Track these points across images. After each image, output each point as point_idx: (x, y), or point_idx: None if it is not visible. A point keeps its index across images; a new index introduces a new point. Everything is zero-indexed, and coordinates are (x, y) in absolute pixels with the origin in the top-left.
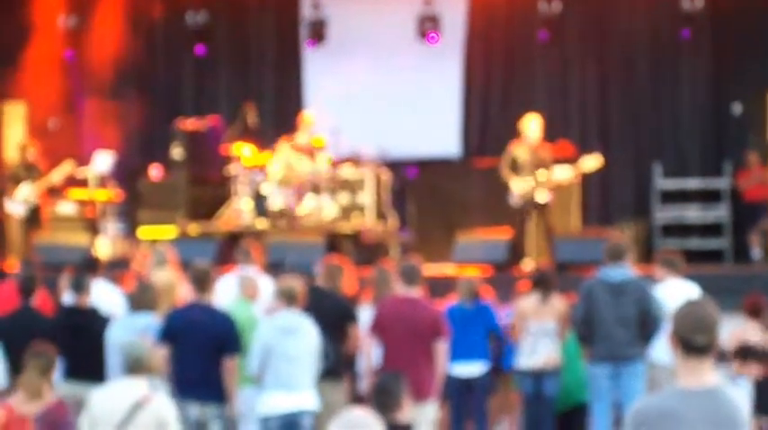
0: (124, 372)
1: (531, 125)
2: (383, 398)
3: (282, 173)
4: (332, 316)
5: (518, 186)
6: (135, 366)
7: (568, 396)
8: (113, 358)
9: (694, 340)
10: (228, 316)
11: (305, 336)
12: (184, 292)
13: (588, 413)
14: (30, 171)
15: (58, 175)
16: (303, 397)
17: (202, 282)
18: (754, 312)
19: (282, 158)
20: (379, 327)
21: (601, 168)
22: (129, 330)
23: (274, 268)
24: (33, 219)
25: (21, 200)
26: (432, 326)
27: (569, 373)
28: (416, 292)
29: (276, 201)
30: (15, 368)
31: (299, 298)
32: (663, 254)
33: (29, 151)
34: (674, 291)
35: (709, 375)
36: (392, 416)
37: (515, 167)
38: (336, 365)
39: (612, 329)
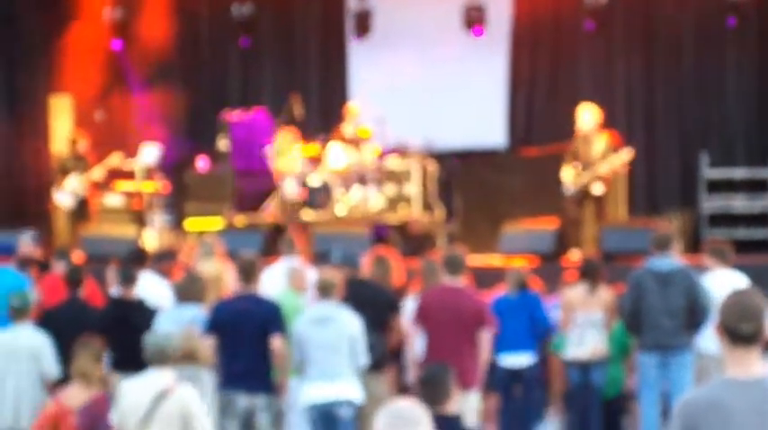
0: (150, 364)
1: (585, 115)
2: (431, 389)
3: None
4: (375, 307)
5: (572, 176)
6: (159, 357)
7: (613, 385)
8: None
9: (740, 329)
10: (274, 302)
11: (340, 326)
12: (231, 283)
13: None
14: (79, 163)
15: (105, 168)
16: (342, 386)
17: (249, 272)
18: None
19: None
20: (422, 317)
21: (632, 161)
22: (176, 322)
23: (320, 259)
24: (81, 210)
25: (69, 191)
26: (476, 315)
27: (615, 363)
28: (461, 282)
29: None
30: (64, 359)
31: (335, 289)
32: (711, 243)
33: (79, 143)
34: (722, 281)
35: (757, 365)
36: (440, 407)
37: (574, 158)
38: (380, 357)
39: (660, 319)
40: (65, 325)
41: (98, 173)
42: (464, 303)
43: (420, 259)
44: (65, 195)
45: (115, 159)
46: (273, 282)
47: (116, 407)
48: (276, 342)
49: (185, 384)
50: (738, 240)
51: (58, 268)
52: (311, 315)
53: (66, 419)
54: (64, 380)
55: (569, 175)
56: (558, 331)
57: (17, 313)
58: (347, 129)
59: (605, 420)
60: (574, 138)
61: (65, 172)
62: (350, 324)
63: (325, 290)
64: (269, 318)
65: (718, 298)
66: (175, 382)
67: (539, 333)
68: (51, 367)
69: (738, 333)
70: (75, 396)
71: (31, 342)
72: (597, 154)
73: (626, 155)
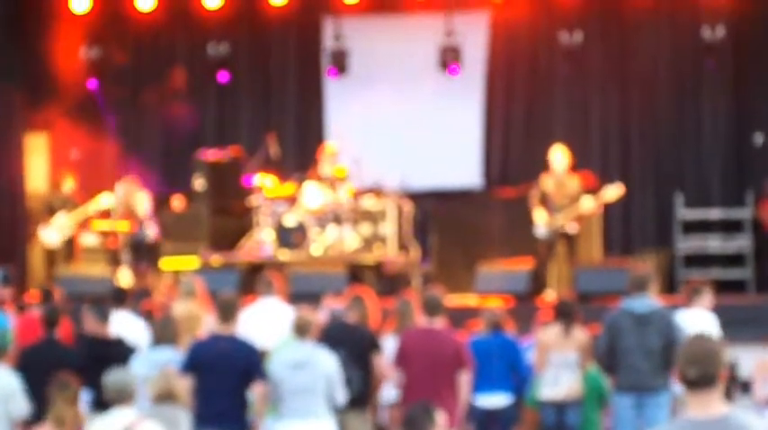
0: (112, 403)
1: (557, 156)
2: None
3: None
4: (356, 346)
5: (544, 218)
6: (120, 396)
7: (589, 426)
8: (138, 390)
9: (687, 373)
10: (252, 345)
11: (317, 368)
12: (209, 323)
13: None
14: (65, 202)
15: (93, 207)
16: (317, 425)
17: (227, 312)
18: None
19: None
20: (401, 359)
21: (622, 198)
22: (150, 364)
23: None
24: (67, 250)
25: (56, 230)
26: (454, 357)
27: (590, 405)
28: (438, 323)
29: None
30: (39, 399)
31: (311, 329)
32: (691, 283)
33: (66, 182)
34: (692, 321)
35: (716, 406)
36: None
37: (544, 199)
38: (361, 395)
39: (637, 360)
40: (42, 364)
41: (85, 212)
42: (443, 345)
43: (395, 299)
44: (51, 233)
45: (104, 200)
46: (251, 322)
47: None
48: (258, 388)
49: (149, 421)
50: (713, 280)
51: (37, 308)
52: (286, 358)
53: None
54: (38, 417)
55: (541, 217)
56: (532, 372)
57: None
58: (324, 168)
59: None
60: (539, 179)
61: (51, 211)
62: (326, 365)
63: (300, 329)
64: (249, 361)
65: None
66: (138, 419)
67: (517, 380)
68: (20, 408)
69: (686, 377)
70: None
71: (2, 382)
72: (569, 195)
73: (614, 192)
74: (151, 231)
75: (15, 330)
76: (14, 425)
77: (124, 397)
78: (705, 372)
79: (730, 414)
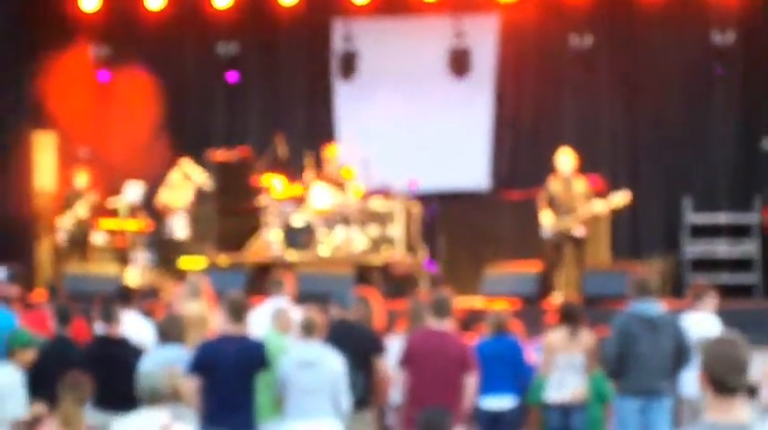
0: (143, 404)
1: (564, 159)
2: None
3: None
4: (359, 347)
5: (551, 220)
6: (153, 396)
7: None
8: None
9: (728, 381)
10: (260, 343)
11: (323, 368)
12: (217, 323)
13: None
14: (80, 196)
15: (115, 202)
16: (322, 426)
17: (237, 311)
18: None
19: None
20: (408, 360)
21: (629, 205)
22: (158, 362)
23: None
24: (81, 246)
25: (68, 226)
26: (460, 359)
27: (595, 407)
28: (446, 325)
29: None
30: (49, 396)
31: (317, 329)
32: (696, 286)
33: (79, 177)
34: (697, 324)
35: (740, 411)
36: None
37: (552, 202)
38: (362, 396)
39: (648, 364)
40: (51, 361)
41: (104, 207)
42: (449, 347)
43: (406, 300)
44: (62, 231)
45: (130, 193)
46: (259, 322)
47: None
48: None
49: (181, 423)
50: (721, 285)
51: (44, 306)
52: (295, 357)
53: None
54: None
55: (548, 219)
56: (537, 374)
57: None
58: (329, 170)
59: None
60: (547, 182)
61: (66, 207)
62: (334, 365)
63: (308, 329)
64: (255, 360)
65: (694, 340)
66: (171, 421)
67: (521, 383)
68: (17, 408)
69: (726, 385)
70: None
71: (2, 380)
72: (577, 197)
73: (622, 198)
74: (181, 227)
75: (25, 327)
76: (12, 425)
77: (156, 398)
78: (744, 380)
79: (749, 421)
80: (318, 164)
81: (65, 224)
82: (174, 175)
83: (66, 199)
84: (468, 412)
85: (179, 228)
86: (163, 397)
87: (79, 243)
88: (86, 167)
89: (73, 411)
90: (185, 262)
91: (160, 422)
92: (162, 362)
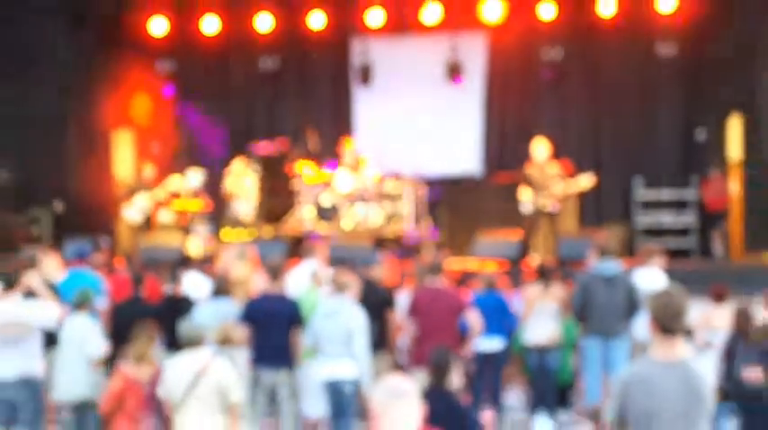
0: (186, 347)
1: (539, 147)
2: (438, 368)
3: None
4: (375, 302)
5: (529, 197)
6: (192, 341)
7: (565, 369)
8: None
9: (670, 325)
10: (295, 301)
11: (343, 317)
12: (258, 283)
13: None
14: (145, 185)
15: (166, 189)
16: (344, 367)
17: (276, 273)
18: (718, 298)
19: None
20: (414, 310)
21: (593, 184)
22: (211, 311)
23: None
24: (146, 224)
25: (137, 209)
26: (455, 306)
27: (567, 352)
28: (440, 282)
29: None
30: (127, 343)
31: (347, 287)
32: (646, 248)
33: (146, 169)
34: (647, 279)
35: (680, 349)
36: (445, 382)
37: (530, 182)
38: (378, 340)
39: (605, 312)
40: (129, 316)
41: (161, 193)
42: (444, 297)
43: (414, 263)
44: (133, 212)
45: (174, 182)
46: (297, 280)
47: (162, 383)
48: (295, 334)
49: (220, 358)
50: (666, 248)
51: (124, 270)
52: (323, 309)
53: (134, 390)
54: (114, 357)
55: (527, 196)
56: (520, 321)
57: (77, 305)
58: (346, 158)
59: (558, 394)
60: (526, 165)
61: (132, 193)
62: (353, 315)
63: (339, 287)
64: (291, 315)
65: (644, 292)
66: (211, 357)
67: (507, 328)
68: (94, 348)
69: (669, 328)
70: (136, 372)
71: (82, 328)
72: (550, 179)
73: (587, 181)
74: (245, 210)
75: (108, 289)
76: (93, 363)
77: (194, 341)
78: (682, 324)
79: (688, 357)
80: (341, 153)
81: (138, 205)
82: (236, 166)
83: (132, 187)
84: (477, 336)
85: (243, 211)
86: (201, 340)
87: (144, 222)
88: (154, 160)
89: (145, 349)
90: (237, 233)
91: (203, 359)
92: (213, 311)
